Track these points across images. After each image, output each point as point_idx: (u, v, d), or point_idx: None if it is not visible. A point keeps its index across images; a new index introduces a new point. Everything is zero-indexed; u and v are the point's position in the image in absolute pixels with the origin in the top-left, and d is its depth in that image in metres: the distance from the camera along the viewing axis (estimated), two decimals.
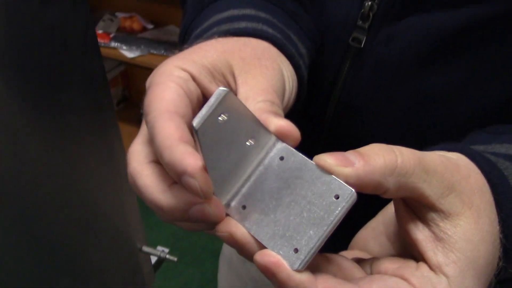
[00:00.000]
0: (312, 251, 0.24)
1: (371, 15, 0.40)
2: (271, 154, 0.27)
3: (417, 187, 0.26)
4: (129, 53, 2.01)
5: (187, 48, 0.32)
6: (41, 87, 0.57)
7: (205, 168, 0.24)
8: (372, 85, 0.42)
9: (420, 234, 0.27)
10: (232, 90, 0.30)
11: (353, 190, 0.24)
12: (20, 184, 0.57)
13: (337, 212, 0.24)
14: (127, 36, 2.09)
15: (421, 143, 0.41)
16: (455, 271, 0.26)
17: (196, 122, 0.23)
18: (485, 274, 0.27)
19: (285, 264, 0.24)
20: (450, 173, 0.27)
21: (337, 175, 0.25)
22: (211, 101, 0.24)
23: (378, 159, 0.25)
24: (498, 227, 0.28)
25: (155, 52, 2.01)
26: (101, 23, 2.17)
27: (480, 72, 0.39)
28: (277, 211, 0.25)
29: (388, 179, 0.25)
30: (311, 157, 0.26)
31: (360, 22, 0.41)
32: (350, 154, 0.25)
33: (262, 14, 0.38)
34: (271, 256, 0.24)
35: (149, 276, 0.84)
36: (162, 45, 1.98)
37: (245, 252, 0.26)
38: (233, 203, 0.27)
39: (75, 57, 0.59)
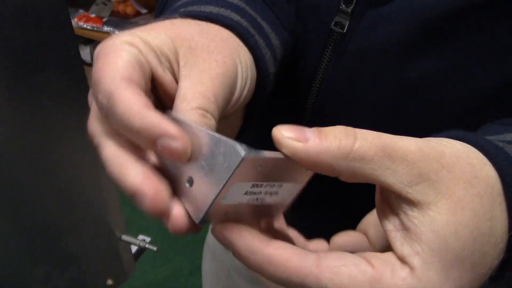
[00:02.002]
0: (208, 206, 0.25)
1: None
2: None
3: (377, 174, 0.24)
4: None
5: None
6: (13, 68, 0.55)
7: None
8: (355, 72, 0.41)
9: (390, 224, 0.26)
10: (175, 78, 0.29)
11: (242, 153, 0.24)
12: None
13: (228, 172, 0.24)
14: (120, 21, 2.07)
15: (408, 130, 0.40)
16: (418, 262, 0.24)
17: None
18: (459, 270, 0.25)
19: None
20: (426, 161, 0.25)
21: (285, 148, 0.24)
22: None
23: (333, 141, 0.24)
24: (504, 222, 0.26)
25: None
26: (94, 7, 2.15)
27: (468, 59, 0.38)
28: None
29: (340, 163, 0.24)
30: None
31: (343, 5, 0.39)
32: (310, 131, 0.24)
33: (236, 1, 0.37)
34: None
35: (129, 265, 0.83)
36: None
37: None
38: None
39: (49, 37, 0.57)
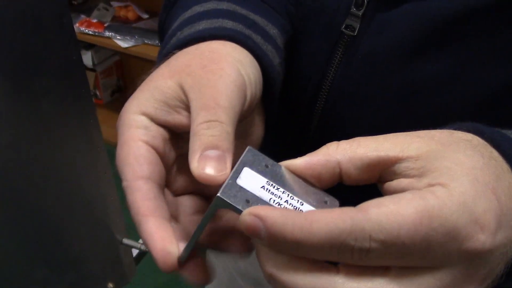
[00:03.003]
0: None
1: (365, 1, 0.39)
2: None
3: (368, 154, 0.26)
4: (123, 43, 1.99)
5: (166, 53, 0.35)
6: (13, 73, 0.55)
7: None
8: (365, 74, 0.41)
9: (401, 183, 0.26)
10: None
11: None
12: None
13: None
14: (121, 26, 2.07)
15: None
16: (447, 178, 0.24)
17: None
18: (488, 187, 0.24)
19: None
20: (410, 136, 0.27)
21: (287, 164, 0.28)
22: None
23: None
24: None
25: (149, 42, 1.99)
26: (95, 12, 2.16)
27: (474, 61, 0.38)
28: None
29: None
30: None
31: (354, 9, 0.40)
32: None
33: (224, 4, 0.38)
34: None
35: (130, 268, 0.82)
36: (157, 35, 1.97)
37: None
38: None
39: (50, 42, 0.57)
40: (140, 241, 0.81)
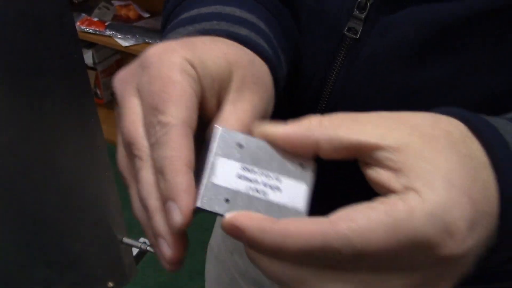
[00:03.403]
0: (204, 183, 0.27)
1: (368, 4, 0.39)
2: None
3: (348, 135, 0.26)
4: (123, 42, 1.99)
5: (171, 38, 0.33)
6: (14, 73, 0.55)
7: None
8: (367, 77, 0.41)
9: (380, 175, 0.26)
10: (218, 101, 0.31)
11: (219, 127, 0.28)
12: None
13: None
14: (122, 25, 2.07)
15: None
16: (420, 183, 0.24)
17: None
18: (462, 189, 0.25)
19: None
20: (392, 118, 0.28)
21: (261, 132, 0.28)
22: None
23: (305, 122, 0.28)
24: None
25: (150, 41, 1.99)
26: (96, 11, 2.16)
27: (478, 66, 0.38)
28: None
29: (316, 134, 0.27)
30: None
31: (357, 11, 0.39)
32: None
33: (262, 25, 0.38)
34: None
35: (130, 268, 0.82)
36: (158, 34, 1.97)
37: None
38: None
39: (51, 41, 0.57)
40: (141, 240, 0.81)
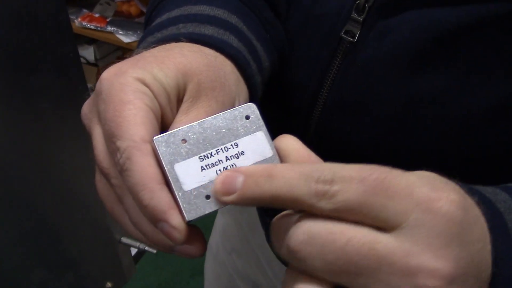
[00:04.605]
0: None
1: (366, 7, 0.38)
2: None
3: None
4: (125, 38, 1.98)
5: (142, 48, 0.32)
6: (10, 70, 0.55)
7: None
8: (363, 82, 0.40)
9: None
10: (176, 111, 0.30)
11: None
12: None
13: None
14: (123, 21, 2.06)
15: (413, 143, 0.40)
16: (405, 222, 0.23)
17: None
18: (446, 238, 0.23)
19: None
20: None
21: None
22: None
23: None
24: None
25: None
26: (97, 7, 2.15)
27: (476, 74, 0.37)
28: None
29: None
30: None
31: (355, 14, 0.38)
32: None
33: (234, 19, 0.37)
34: None
35: (129, 267, 0.82)
36: None
37: None
38: None
39: (46, 39, 0.56)
40: None
